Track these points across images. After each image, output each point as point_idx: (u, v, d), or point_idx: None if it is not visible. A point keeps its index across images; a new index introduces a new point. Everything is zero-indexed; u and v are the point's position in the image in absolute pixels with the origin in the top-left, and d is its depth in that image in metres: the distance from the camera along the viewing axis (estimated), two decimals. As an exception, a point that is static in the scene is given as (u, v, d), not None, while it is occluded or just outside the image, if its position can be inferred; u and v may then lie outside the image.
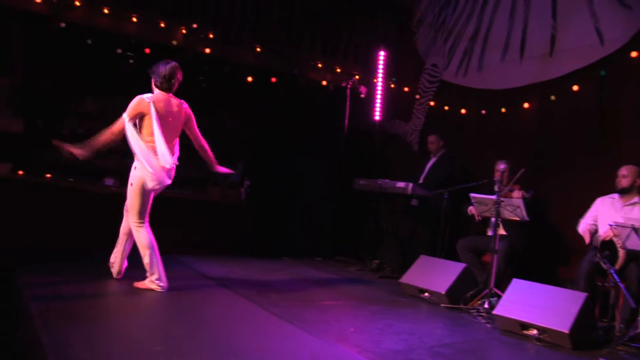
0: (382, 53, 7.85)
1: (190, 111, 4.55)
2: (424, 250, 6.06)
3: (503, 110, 6.46)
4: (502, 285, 5.29)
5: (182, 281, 4.74)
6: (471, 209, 5.49)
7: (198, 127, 7.23)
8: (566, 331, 3.80)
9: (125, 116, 4.29)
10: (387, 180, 6.33)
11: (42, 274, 4.32)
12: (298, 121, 7.54)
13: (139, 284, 4.25)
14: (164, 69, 4.34)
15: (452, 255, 5.76)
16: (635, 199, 4.69)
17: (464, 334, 4.02)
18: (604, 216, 4.77)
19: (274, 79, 7.33)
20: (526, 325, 4.04)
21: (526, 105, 6.21)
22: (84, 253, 5.43)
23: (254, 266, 6.00)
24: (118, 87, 6.83)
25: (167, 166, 4.28)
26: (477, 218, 5.47)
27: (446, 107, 7.27)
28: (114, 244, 5.76)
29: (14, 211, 5.64)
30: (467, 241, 5.61)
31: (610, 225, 4.33)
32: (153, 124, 4.20)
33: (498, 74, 6.59)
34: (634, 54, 5.35)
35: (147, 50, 6.47)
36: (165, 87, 4.35)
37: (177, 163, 4.46)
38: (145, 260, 4.22)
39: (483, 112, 6.72)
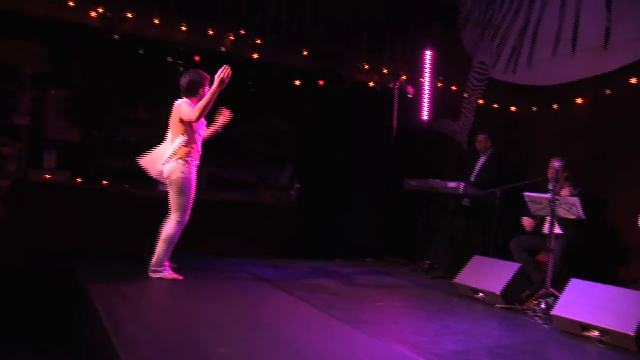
0: (428, 52, 7.80)
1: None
2: (476, 250, 5.99)
3: (555, 106, 6.33)
4: (558, 285, 5.18)
5: (237, 283, 4.84)
6: (524, 220, 5.43)
7: (247, 130, 7.42)
8: (631, 333, 3.69)
9: None
10: (438, 180, 6.28)
11: (104, 276, 4.46)
12: (346, 122, 7.56)
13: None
14: None
15: (504, 255, 5.67)
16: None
17: (522, 334, 3.96)
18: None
19: (321, 82, 7.39)
20: (587, 327, 3.95)
21: (579, 100, 6.07)
22: (142, 256, 5.59)
23: (306, 267, 6.05)
24: (169, 95, 7.03)
25: None
26: (528, 229, 5.41)
27: (495, 105, 7.16)
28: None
29: (74, 216, 5.88)
30: (521, 240, 5.52)
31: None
32: None
33: (549, 69, 6.46)
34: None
35: (197, 58, 6.62)
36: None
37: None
38: (157, 251, 4.59)
39: (534, 108, 6.60)
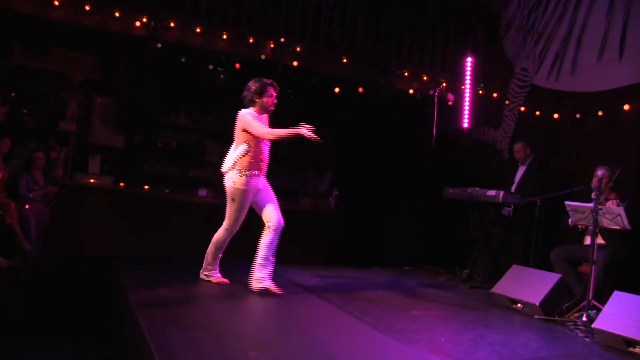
0: (469, 59, 7.70)
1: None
2: (516, 260, 5.86)
3: (600, 113, 6.15)
4: (601, 298, 5.02)
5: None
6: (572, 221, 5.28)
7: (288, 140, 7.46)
8: (677, 349, 3.56)
9: None
10: (478, 188, 6.19)
11: (144, 279, 4.58)
12: (386, 130, 7.55)
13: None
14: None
15: (544, 266, 5.54)
16: None
17: (562, 347, 3.85)
18: None
19: (360, 89, 7.40)
20: (632, 342, 3.80)
21: (627, 107, 5.88)
22: (182, 260, 5.70)
23: (343, 275, 6.05)
24: (210, 102, 7.18)
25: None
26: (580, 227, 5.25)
27: (537, 113, 7.01)
28: (205, 251, 6.07)
29: (117, 220, 6.04)
30: (563, 250, 5.38)
31: None
32: None
33: (594, 75, 6.29)
34: None
35: (237, 65, 6.74)
36: None
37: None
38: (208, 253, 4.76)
39: (578, 116, 6.43)
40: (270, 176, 7.52)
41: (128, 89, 6.60)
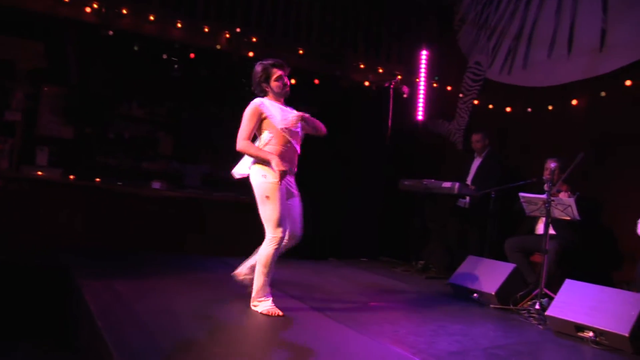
0: (424, 52, 7.79)
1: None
2: (471, 250, 6.00)
3: (550, 107, 6.33)
4: (552, 286, 5.20)
5: (233, 283, 4.78)
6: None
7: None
8: (626, 334, 3.69)
9: None
10: (433, 180, 6.28)
11: (99, 274, 4.44)
12: (341, 122, 7.53)
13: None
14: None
15: (499, 256, 5.68)
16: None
17: (518, 335, 3.96)
18: (662, 215, 4.64)
19: (316, 81, 7.36)
20: (582, 327, 3.95)
21: (575, 102, 6.08)
22: (136, 253, 5.57)
23: (301, 267, 6.03)
24: (163, 92, 7.01)
25: None
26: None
27: (490, 106, 7.16)
28: (161, 244, 5.94)
29: (67, 214, 5.83)
30: (516, 241, 5.53)
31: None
32: None
33: (544, 71, 6.47)
34: (692, 46, 5.20)
35: (192, 55, 6.59)
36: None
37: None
38: (255, 278, 3.92)
39: (529, 110, 6.60)
40: (226, 168, 7.46)
41: (78, 78, 6.34)
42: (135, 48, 6.32)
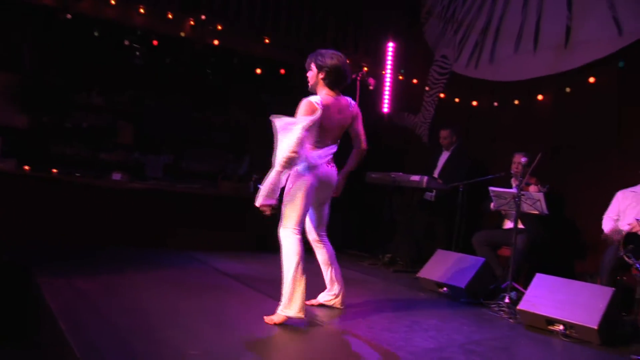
0: (391, 44, 7.75)
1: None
2: (438, 244, 6.02)
3: (516, 102, 6.40)
4: (520, 279, 5.28)
5: (201, 279, 4.68)
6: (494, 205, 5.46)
7: (207, 119, 7.07)
8: (595, 327, 3.76)
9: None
10: (401, 173, 6.26)
11: (57, 270, 4.23)
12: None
13: (270, 319, 3.49)
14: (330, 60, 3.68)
15: (466, 249, 5.72)
16: (658, 192, 4.66)
17: (491, 330, 3.97)
18: (626, 209, 4.73)
19: (282, 71, 7.23)
20: (552, 321, 4.00)
21: (540, 97, 6.16)
22: (95, 248, 5.35)
23: (269, 261, 5.84)
24: (124, 80, 6.76)
25: None
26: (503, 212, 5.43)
27: (457, 99, 7.20)
28: (123, 238, 5.72)
29: (21, 207, 5.54)
30: (484, 235, 5.57)
31: (638, 219, 4.29)
32: None
33: (511, 65, 6.53)
34: (653, 45, 5.31)
35: (155, 42, 6.36)
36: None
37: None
38: (286, 282, 3.59)
39: (495, 104, 6.66)
40: (188, 159, 7.27)
41: (33, 64, 6.03)
42: (96, 33, 6.05)
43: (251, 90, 7.40)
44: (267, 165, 7.56)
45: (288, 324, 3.48)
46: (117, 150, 6.74)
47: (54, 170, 5.92)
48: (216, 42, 6.66)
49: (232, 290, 4.41)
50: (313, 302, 4.04)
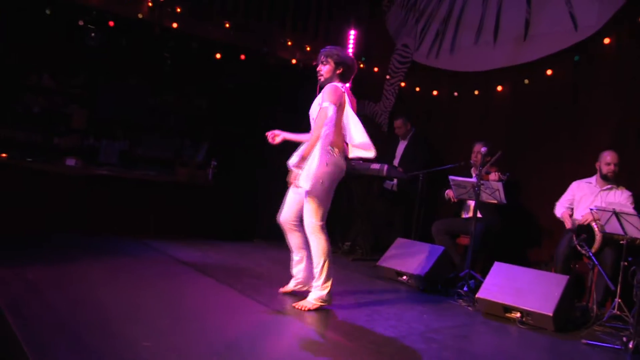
0: (352, 32, 7.71)
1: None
2: (398, 232, 6.05)
3: (476, 92, 6.47)
4: (477, 267, 5.35)
5: (158, 268, 4.57)
6: (448, 192, 5.50)
7: (164, 104, 6.90)
8: (550, 314, 3.85)
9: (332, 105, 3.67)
10: (361, 161, 6.22)
11: (5, 260, 4.03)
12: (267, 100, 7.35)
13: (303, 306, 3.69)
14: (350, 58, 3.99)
15: (425, 238, 5.77)
16: (612, 184, 4.77)
17: (450, 318, 4.00)
18: (580, 200, 4.84)
19: (242, 56, 7.11)
20: (509, 309, 4.08)
21: (500, 88, 6.24)
22: (47, 237, 5.16)
23: (227, 249, 5.85)
24: (78, 63, 6.51)
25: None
26: (453, 200, 5.47)
27: (417, 89, 7.22)
28: (76, 226, 5.54)
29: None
30: (443, 224, 5.62)
31: (591, 209, 4.40)
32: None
33: (471, 56, 6.59)
34: (606, 40, 5.43)
35: (111, 23, 6.14)
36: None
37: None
38: (318, 270, 3.77)
39: (455, 94, 6.72)
40: (144, 145, 7.08)
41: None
42: (47, 12, 5.79)
43: (211, 76, 7.25)
44: (228, 152, 7.47)
45: (243, 314, 3.43)
46: (71, 135, 6.50)
47: (4, 155, 5.67)
48: (175, 25, 6.49)
49: (189, 279, 4.32)
50: (286, 289, 4.11)
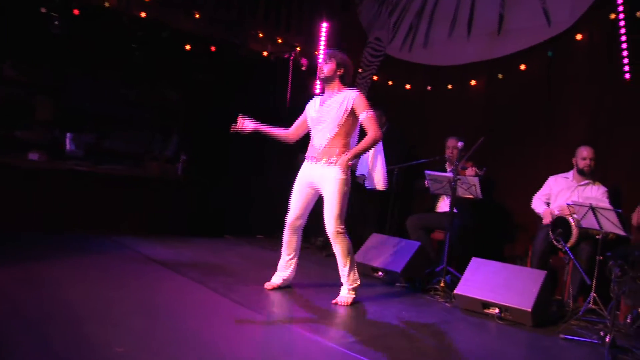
0: (324, 24, 7.60)
1: None
2: (372, 227, 5.99)
3: (450, 86, 6.46)
4: (453, 262, 5.34)
5: (128, 266, 4.41)
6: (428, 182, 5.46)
7: (133, 97, 6.70)
8: (529, 309, 3.85)
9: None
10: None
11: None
12: (238, 93, 7.20)
13: (342, 301, 3.92)
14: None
15: (399, 233, 5.73)
16: (588, 179, 4.80)
17: (430, 315, 3.96)
18: (557, 194, 4.86)
19: (213, 48, 6.94)
20: (488, 304, 4.06)
21: (473, 82, 6.24)
22: (9, 234, 4.94)
23: (198, 246, 5.71)
24: (41, 52, 6.23)
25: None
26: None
27: (390, 82, 7.18)
28: (42, 224, 5.32)
29: None
30: (418, 218, 5.59)
31: (568, 204, 4.41)
32: None
33: (445, 50, 6.57)
34: (579, 36, 5.47)
35: (76, 12, 5.89)
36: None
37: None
38: (347, 269, 4.00)
39: (429, 88, 6.70)
40: (112, 138, 6.85)
41: None
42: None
43: (180, 68, 7.06)
44: (199, 146, 7.29)
45: (219, 314, 3.33)
46: (35, 128, 6.22)
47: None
48: (143, 14, 6.27)
49: (162, 278, 4.18)
50: (273, 284, 4.18)
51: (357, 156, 3.97)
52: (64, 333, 2.71)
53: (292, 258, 4.22)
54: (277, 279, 4.20)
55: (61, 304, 3.16)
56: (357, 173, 4.31)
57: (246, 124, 4.31)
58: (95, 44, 6.32)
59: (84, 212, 5.65)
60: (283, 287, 4.18)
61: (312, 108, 4.14)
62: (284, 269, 4.22)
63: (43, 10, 5.74)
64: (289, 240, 4.23)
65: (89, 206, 5.70)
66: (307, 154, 4.17)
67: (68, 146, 6.18)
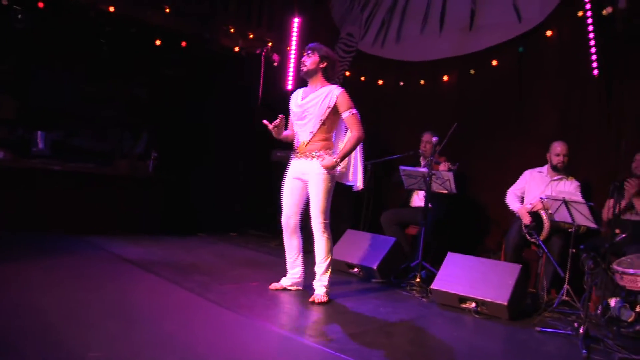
0: (296, 20, 7.55)
1: None
2: (346, 223, 5.98)
3: (422, 82, 6.48)
4: (428, 257, 5.36)
5: (100, 266, 4.31)
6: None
7: (101, 93, 6.56)
8: (505, 303, 3.88)
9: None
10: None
11: None
12: (209, 89, 7.11)
13: (319, 299, 3.89)
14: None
15: (373, 228, 5.73)
16: (562, 175, 4.87)
17: (407, 311, 3.95)
18: (532, 189, 4.92)
19: (184, 43, 6.83)
20: (464, 299, 4.08)
21: (446, 78, 6.27)
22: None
23: (171, 245, 5.61)
24: (4, 46, 6.05)
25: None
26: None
27: (362, 78, 7.17)
28: (9, 224, 5.17)
29: None
30: (392, 214, 5.59)
31: (542, 198, 4.47)
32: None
33: (417, 46, 6.58)
34: (549, 33, 5.53)
35: (41, 5, 5.72)
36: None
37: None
38: (325, 266, 3.98)
39: (401, 83, 6.70)
40: (80, 136, 6.70)
41: None
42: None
43: (150, 63, 6.92)
44: (170, 143, 7.18)
45: (196, 315, 3.27)
46: (-1, 126, 6.04)
47: None
48: (111, 8, 6.13)
49: (135, 279, 4.10)
50: (277, 286, 4.15)
51: (343, 158, 3.93)
52: (34, 338, 2.62)
53: (296, 258, 4.17)
54: (286, 280, 4.18)
55: (31, 308, 3.06)
56: (346, 183, 4.26)
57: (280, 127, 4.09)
58: (61, 39, 6.16)
59: (53, 211, 5.50)
60: (294, 286, 4.17)
61: (294, 102, 4.06)
62: (294, 271, 4.18)
63: (5, 2, 5.55)
64: (289, 241, 4.16)
65: (57, 205, 5.55)
66: (293, 151, 4.12)
67: (34, 144, 6.01)
